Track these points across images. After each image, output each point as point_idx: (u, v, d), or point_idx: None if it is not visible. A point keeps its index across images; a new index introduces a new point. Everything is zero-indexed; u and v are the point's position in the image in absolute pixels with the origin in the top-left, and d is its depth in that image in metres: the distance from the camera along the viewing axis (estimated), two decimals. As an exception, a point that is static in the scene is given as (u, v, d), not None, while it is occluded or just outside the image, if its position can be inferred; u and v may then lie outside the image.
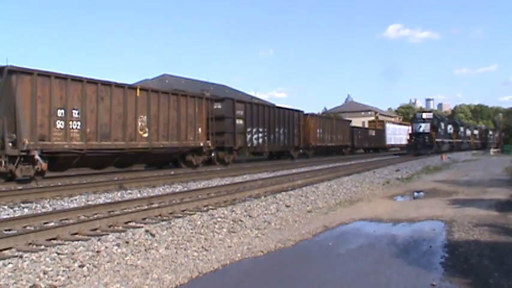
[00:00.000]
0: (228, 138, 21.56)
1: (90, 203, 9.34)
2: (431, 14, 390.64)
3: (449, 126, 46.61)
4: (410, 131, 41.59)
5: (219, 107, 21.46)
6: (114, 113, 15.25)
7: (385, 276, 4.97)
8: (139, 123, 16.32)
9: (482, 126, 77.15)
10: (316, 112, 44.60)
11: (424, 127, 38.95)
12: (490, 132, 74.45)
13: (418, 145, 37.88)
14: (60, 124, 13.40)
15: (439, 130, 41.25)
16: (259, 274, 5.29)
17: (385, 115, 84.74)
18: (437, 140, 39.48)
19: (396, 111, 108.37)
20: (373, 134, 49.49)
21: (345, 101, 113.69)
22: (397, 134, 54.02)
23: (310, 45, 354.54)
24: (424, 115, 41.64)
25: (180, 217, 7.53)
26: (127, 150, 15.84)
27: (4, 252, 5.30)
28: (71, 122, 13.69)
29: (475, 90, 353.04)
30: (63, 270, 4.70)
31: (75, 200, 9.79)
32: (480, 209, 9.16)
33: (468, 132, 58.01)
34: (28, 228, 6.63)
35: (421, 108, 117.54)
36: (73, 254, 5.16)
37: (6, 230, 6.39)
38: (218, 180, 14.55)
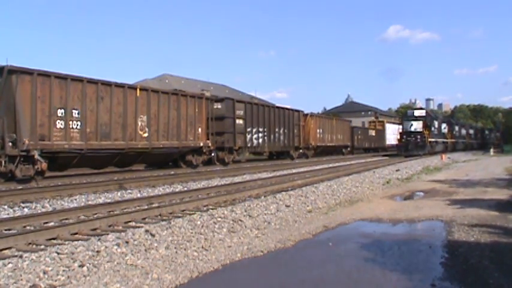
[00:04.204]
0: (228, 138, 21.55)
1: (90, 202, 9.34)
2: (431, 14, 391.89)
3: (444, 125, 43.89)
4: (400, 130, 38.24)
5: (219, 107, 21.45)
6: (114, 113, 15.24)
7: (384, 276, 4.97)
8: (139, 123, 16.31)
9: (478, 126, 76.50)
10: (316, 112, 44.23)
11: (416, 125, 35.65)
12: (486, 132, 73.70)
13: (410, 145, 34.74)
14: (60, 124, 13.39)
15: (433, 129, 38.11)
16: (259, 274, 5.28)
17: (385, 115, 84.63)
18: (430, 139, 36.22)
19: (396, 111, 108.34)
20: (373, 134, 49.43)
21: (345, 101, 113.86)
22: (397, 134, 53.75)
23: (310, 45, 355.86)
24: (416, 112, 38.19)
25: (180, 217, 7.53)
26: (127, 150, 15.83)
27: (4, 252, 5.30)
28: (71, 122, 13.68)
29: (475, 90, 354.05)
30: (63, 270, 4.70)
31: (75, 199, 9.79)
32: (480, 209, 9.15)
33: (463, 131, 55.94)
34: (28, 228, 6.63)
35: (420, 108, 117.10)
36: (73, 253, 5.16)
37: (6, 230, 6.39)
38: (218, 180, 14.54)
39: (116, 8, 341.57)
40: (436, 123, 40.17)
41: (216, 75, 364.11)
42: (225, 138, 21.29)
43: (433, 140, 37.39)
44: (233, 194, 10.34)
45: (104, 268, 4.92)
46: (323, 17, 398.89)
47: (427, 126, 36.16)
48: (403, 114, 43.89)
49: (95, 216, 7.51)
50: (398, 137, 37.49)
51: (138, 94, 16.28)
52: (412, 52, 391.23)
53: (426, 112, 40.30)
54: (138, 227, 6.72)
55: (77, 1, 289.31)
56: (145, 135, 16.59)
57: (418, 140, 34.91)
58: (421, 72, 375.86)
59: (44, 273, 4.58)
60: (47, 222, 7.07)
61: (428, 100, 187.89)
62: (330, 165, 23.28)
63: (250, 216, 8.03)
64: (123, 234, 6.12)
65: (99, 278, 4.65)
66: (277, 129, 26.34)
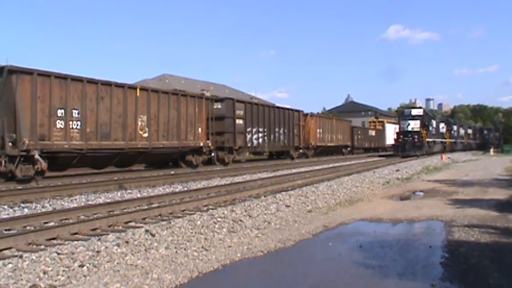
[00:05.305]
0: (228, 138, 21.54)
1: (90, 202, 9.34)
2: (431, 14, 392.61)
3: (442, 125, 42.65)
4: (397, 129, 36.96)
5: (219, 107, 21.44)
6: (114, 113, 15.23)
7: (384, 276, 4.97)
8: (139, 123, 16.30)
9: (477, 126, 76.22)
10: (316, 112, 44.12)
11: (413, 125, 34.24)
12: (485, 132, 73.50)
13: (407, 145, 33.22)
14: (60, 124, 13.38)
15: (430, 128, 36.70)
16: (259, 274, 5.29)
17: (385, 115, 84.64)
18: (428, 139, 34.88)
19: (396, 111, 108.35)
20: (373, 134, 49.44)
21: (345, 101, 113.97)
22: (394, 134, 53.43)
23: (310, 45, 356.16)
24: (414, 111, 36.73)
25: (180, 217, 7.53)
26: (127, 150, 15.82)
27: (4, 252, 5.30)
28: (71, 122, 13.67)
29: (475, 90, 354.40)
30: (63, 270, 4.70)
31: (75, 199, 9.79)
32: (480, 209, 9.16)
33: (462, 131, 55.21)
34: (28, 228, 6.63)
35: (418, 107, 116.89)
36: (73, 253, 5.16)
37: (6, 230, 6.39)
38: (218, 180, 14.54)
39: (115, 9, 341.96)
40: (434, 122, 39.00)
41: (216, 75, 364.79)
42: (225, 138, 21.29)
43: (430, 140, 36.32)
44: (233, 194, 10.34)
45: (104, 268, 4.92)
46: (323, 17, 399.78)
47: (424, 125, 35.02)
48: (400, 114, 42.67)
49: (95, 216, 7.51)
50: (395, 136, 36.41)
51: (138, 94, 16.27)
52: (412, 52, 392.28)
53: (424, 111, 39.15)
54: (138, 227, 6.72)
55: (77, 1, 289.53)
56: (145, 135, 16.58)
57: (416, 140, 33.70)
58: (421, 72, 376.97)
59: (44, 273, 4.58)
60: (47, 222, 7.07)
61: (428, 100, 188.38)
62: (330, 165, 23.28)
63: (250, 216, 8.03)
64: (123, 234, 6.11)
65: (99, 278, 4.65)
66: (277, 129, 26.33)
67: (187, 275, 4.95)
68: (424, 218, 8.45)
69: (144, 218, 7.53)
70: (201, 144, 19.46)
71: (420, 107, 52.50)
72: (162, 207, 8.32)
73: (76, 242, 5.62)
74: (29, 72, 12.62)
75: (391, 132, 51.03)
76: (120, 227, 6.83)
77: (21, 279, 4.38)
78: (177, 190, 11.60)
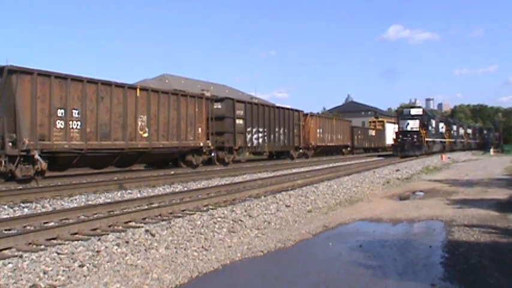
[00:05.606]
0: (228, 138, 21.54)
1: (90, 202, 9.34)
2: (431, 14, 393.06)
3: (441, 125, 42.02)
4: (396, 129, 36.48)
5: (219, 107, 21.44)
6: (114, 113, 15.23)
7: (385, 276, 4.96)
8: (139, 123, 16.30)
9: (476, 126, 76.12)
10: (316, 112, 44.05)
11: (413, 124, 33.76)
12: (485, 132, 73.42)
13: (406, 145, 32.73)
14: (60, 124, 13.38)
15: (430, 128, 36.15)
16: (259, 274, 5.28)
17: (385, 115, 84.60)
18: (427, 139, 34.33)
19: (396, 111, 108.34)
20: (373, 134, 49.42)
21: (345, 101, 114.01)
22: (393, 134, 53.10)
23: (310, 45, 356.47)
24: (413, 111, 36.21)
25: (180, 217, 7.53)
26: (127, 150, 15.82)
27: (4, 252, 5.30)
28: (71, 122, 13.67)
29: (475, 90, 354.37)
30: (63, 270, 4.70)
31: (75, 199, 9.79)
32: (480, 209, 9.15)
33: (462, 131, 54.90)
34: (28, 228, 6.63)
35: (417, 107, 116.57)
36: (73, 253, 5.16)
37: (6, 230, 6.38)
38: (218, 180, 14.54)
39: (115, 9, 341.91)
40: (433, 122, 38.43)
41: (216, 75, 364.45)
42: (225, 138, 21.28)
43: (430, 139, 35.74)
44: (233, 194, 10.33)
45: (104, 268, 4.92)
46: (323, 17, 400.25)
47: (424, 125, 34.46)
48: (399, 113, 42.03)
49: (95, 216, 7.51)
50: (394, 136, 35.91)
51: (138, 94, 16.27)
52: (412, 52, 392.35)
53: (423, 111, 38.70)
54: (138, 227, 6.72)
55: (77, 2, 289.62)
56: (145, 135, 16.58)
57: (415, 140, 33.16)
58: (421, 72, 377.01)
59: (44, 273, 4.58)
60: (47, 222, 7.07)
61: (428, 100, 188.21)
62: (330, 165, 23.28)
63: (250, 216, 8.03)
64: (123, 234, 6.11)
65: (99, 278, 4.65)
66: (277, 129, 26.33)
67: (187, 275, 4.95)
68: (424, 218, 8.45)
69: (144, 218, 7.53)
70: (201, 144, 19.46)
71: (420, 107, 52.13)
72: (162, 207, 8.32)
73: (76, 242, 5.62)
74: (29, 72, 12.62)
75: (391, 132, 50.39)
76: (120, 227, 6.82)
77: (21, 279, 4.38)
78: (177, 190, 11.60)
